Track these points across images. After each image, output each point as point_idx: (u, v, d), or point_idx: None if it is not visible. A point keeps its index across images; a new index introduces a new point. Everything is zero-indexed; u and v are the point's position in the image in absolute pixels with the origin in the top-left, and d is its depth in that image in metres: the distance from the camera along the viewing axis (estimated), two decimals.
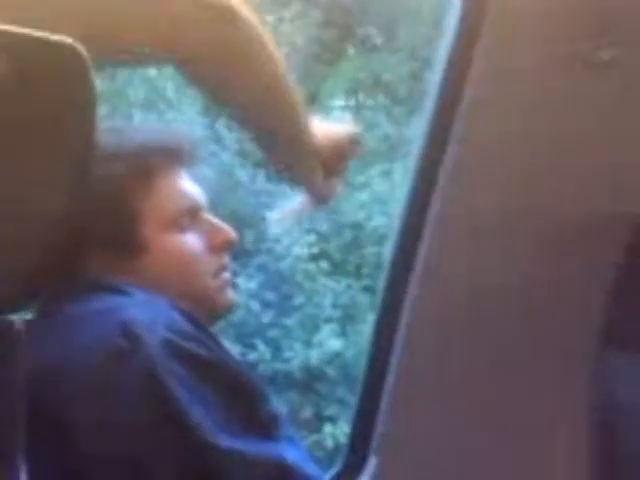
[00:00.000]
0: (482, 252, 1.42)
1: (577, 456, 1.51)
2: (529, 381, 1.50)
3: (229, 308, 1.41)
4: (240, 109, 1.20)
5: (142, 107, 5.09)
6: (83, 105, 0.86)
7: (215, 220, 1.40)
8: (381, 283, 1.56)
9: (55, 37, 0.82)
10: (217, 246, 1.38)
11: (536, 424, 1.52)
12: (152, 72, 5.18)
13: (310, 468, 1.22)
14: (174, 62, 1.11)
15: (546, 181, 1.35)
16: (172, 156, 1.38)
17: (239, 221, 4.32)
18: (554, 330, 1.48)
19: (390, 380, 1.50)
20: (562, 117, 1.29)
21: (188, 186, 1.38)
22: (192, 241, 1.36)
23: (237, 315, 4.37)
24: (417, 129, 1.44)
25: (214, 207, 1.42)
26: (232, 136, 5.14)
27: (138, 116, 4.93)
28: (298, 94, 1.19)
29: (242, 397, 1.21)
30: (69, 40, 0.82)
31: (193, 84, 1.16)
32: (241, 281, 4.65)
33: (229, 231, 1.40)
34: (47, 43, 0.82)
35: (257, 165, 5.14)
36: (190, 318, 1.24)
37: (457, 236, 1.41)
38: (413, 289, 1.43)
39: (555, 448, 1.52)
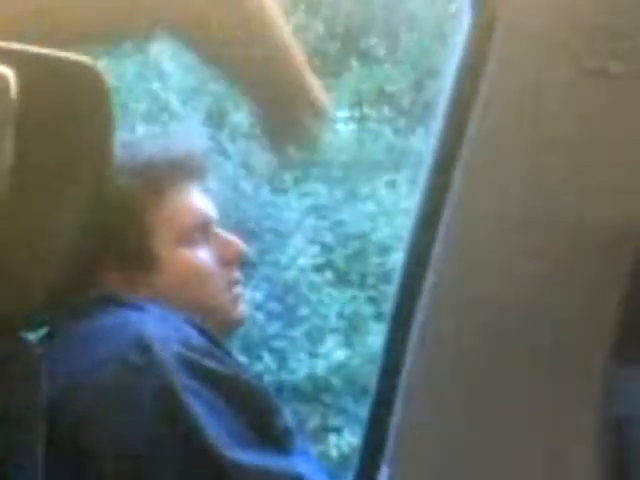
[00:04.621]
0: (494, 261, 1.42)
1: (589, 472, 1.51)
2: (544, 393, 1.49)
3: (241, 322, 1.42)
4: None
5: (145, 119, 5.10)
6: (101, 123, 0.87)
7: (226, 233, 1.41)
8: (391, 293, 1.56)
9: (75, 57, 0.83)
10: (229, 260, 1.39)
11: (549, 439, 1.52)
12: (155, 84, 5.19)
13: None
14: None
15: (560, 190, 1.35)
16: (182, 170, 1.38)
17: (244, 232, 4.31)
18: (566, 343, 1.48)
19: (402, 390, 1.50)
20: (574, 129, 1.30)
21: (199, 200, 1.39)
22: (204, 255, 1.36)
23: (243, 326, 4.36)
24: (423, 139, 1.44)
25: (218, 218, 1.43)
26: (236, 147, 5.14)
27: (141, 128, 4.93)
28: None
29: (256, 411, 1.21)
30: (89, 60, 0.83)
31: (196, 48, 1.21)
32: (246, 292, 4.64)
33: (240, 244, 1.41)
34: (66, 63, 0.83)
35: (261, 176, 5.14)
36: (204, 333, 1.24)
37: (469, 246, 1.41)
38: (425, 299, 1.43)
39: (567, 464, 1.52)
